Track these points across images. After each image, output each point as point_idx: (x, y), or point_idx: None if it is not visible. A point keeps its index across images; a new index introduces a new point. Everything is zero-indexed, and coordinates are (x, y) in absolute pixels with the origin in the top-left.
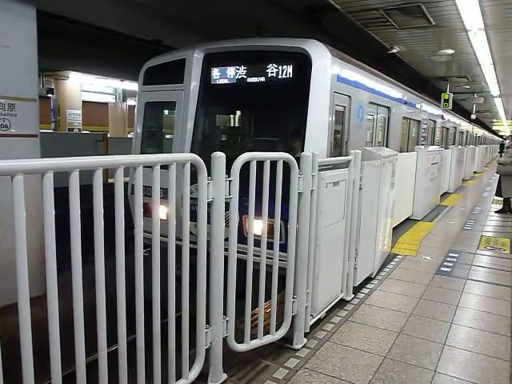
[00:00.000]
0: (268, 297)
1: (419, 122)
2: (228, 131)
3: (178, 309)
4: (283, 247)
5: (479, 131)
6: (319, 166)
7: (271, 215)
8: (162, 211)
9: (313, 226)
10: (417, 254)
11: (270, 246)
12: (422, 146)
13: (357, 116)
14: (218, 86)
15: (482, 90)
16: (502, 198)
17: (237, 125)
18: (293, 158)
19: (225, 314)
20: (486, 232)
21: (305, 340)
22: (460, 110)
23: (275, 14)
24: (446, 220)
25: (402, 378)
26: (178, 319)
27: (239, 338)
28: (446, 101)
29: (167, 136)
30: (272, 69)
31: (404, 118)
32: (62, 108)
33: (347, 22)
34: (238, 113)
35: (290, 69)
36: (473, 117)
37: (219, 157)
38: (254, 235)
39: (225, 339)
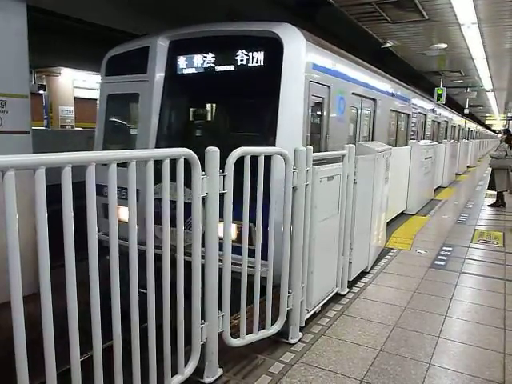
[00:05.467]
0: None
1: (408, 115)
2: (195, 125)
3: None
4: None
5: (472, 125)
6: (313, 160)
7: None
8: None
9: (307, 221)
10: (411, 248)
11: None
12: (413, 141)
13: (338, 108)
14: (185, 75)
15: (475, 84)
16: (494, 192)
17: (205, 118)
18: (287, 153)
19: (220, 309)
20: (479, 226)
21: (300, 334)
22: (453, 105)
23: (271, 9)
24: (440, 214)
25: (396, 371)
26: (174, 316)
27: (234, 333)
28: (440, 95)
29: (131, 131)
30: (241, 56)
31: (392, 111)
32: (55, 105)
33: (341, 17)
34: (206, 105)
35: (260, 55)
36: (466, 111)
37: (213, 152)
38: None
39: (220, 334)
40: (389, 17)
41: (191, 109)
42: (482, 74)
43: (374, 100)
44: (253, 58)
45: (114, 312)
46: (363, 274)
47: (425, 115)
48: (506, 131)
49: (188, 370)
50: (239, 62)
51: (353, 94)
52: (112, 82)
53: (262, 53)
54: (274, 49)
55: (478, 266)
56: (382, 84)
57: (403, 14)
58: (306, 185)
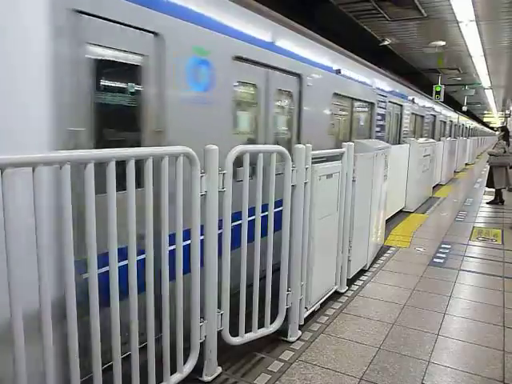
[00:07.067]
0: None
1: (372, 104)
2: None
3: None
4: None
5: (467, 122)
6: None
7: None
8: None
9: (306, 219)
10: (410, 246)
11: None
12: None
13: (191, 81)
14: None
15: (473, 81)
16: (492, 189)
17: None
18: (286, 151)
19: (219, 307)
20: (477, 223)
21: (299, 332)
22: (451, 102)
23: (266, 6)
24: (439, 212)
25: (396, 369)
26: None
27: (233, 332)
28: (438, 93)
29: None
30: None
31: (337, 95)
32: None
33: (340, 15)
34: None
35: None
36: (464, 109)
37: (212, 150)
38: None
39: (219, 332)
40: (387, 14)
41: None
42: (480, 72)
43: (298, 76)
44: None
45: (112, 310)
46: (362, 271)
47: (400, 106)
48: (503, 128)
49: (187, 368)
50: None
51: (238, 58)
52: None
53: None
54: None
55: (477, 264)
56: (316, 52)
57: (402, 11)
58: (305, 183)
